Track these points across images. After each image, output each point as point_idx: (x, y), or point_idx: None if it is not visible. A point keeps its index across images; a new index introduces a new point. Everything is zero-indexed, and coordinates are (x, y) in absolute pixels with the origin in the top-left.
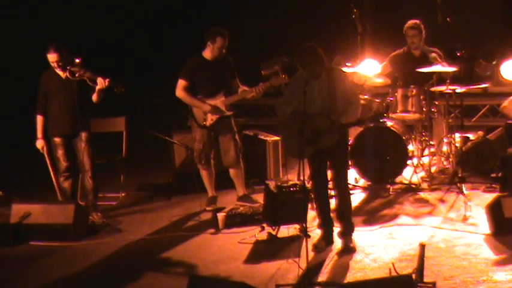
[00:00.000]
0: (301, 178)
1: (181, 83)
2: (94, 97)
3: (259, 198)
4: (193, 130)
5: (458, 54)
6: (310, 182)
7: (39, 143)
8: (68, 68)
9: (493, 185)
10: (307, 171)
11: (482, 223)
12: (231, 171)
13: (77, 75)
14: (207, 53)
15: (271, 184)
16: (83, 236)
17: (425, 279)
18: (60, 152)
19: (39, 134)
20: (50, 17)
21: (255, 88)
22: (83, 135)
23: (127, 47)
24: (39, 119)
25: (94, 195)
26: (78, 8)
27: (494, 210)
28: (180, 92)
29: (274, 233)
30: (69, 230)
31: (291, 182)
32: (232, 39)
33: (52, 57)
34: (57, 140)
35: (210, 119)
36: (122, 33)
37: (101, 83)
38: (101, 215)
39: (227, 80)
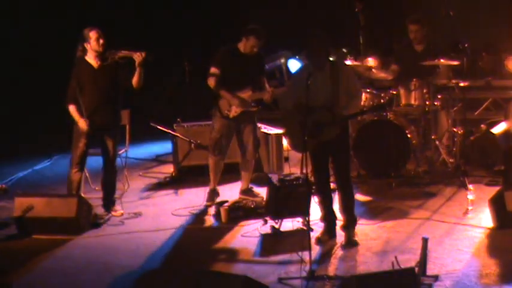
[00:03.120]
0: (304, 171)
1: (213, 71)
2: (135, 80)
3: (262, 192)
4: (215, 119)
5: (461, 47)
6: (313, 176)
7: (82, 122)
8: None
9: (496, 179)
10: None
11: (485, 216)
12: (242, 163)
13: (109, 59)
14: (241, 46)
15: (274, 177)
16: (85, 230)
17: (428, 273)
18: (82, 141)
19: (80, 116)
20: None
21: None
22: (112, 133)
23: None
24: (73, 107)
25: (113, 190)
26: None
27: (497, 204)
28: (212, 81)
29: (277, 226)
30: (72, 224)
31: (293, 176)
32: (236, 33)
33: (94, 33)
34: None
35: (234, 111)
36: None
37: (139, 56)
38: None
39: (256, 75)
